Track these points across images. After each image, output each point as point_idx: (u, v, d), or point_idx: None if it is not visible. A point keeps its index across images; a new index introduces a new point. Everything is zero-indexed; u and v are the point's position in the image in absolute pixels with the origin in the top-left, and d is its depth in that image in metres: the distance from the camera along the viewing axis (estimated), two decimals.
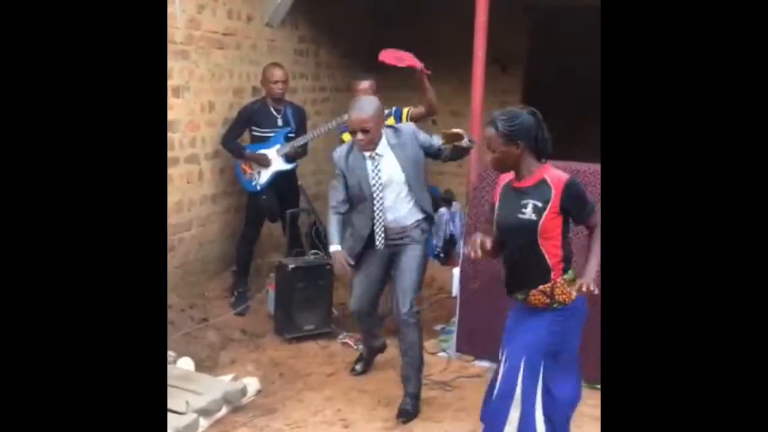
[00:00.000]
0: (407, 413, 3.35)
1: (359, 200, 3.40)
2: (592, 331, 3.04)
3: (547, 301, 2.60)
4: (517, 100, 6.52)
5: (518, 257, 2.68)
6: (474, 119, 4.13)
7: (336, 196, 3.44)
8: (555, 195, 2.56)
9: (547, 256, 2.61)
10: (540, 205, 2.58)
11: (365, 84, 4.32)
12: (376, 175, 3.34)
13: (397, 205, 3.37)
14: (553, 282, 2.60)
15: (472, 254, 2.64)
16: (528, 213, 2.59)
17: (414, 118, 4.15)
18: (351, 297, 3.58)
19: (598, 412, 3.43)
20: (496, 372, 2.74)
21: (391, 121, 4.33)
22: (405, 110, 4.28)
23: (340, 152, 3.43)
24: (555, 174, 2.63)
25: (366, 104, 3.29)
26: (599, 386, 3.59)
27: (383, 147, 3.34)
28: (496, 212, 2.74)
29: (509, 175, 2.73)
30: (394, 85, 5.15)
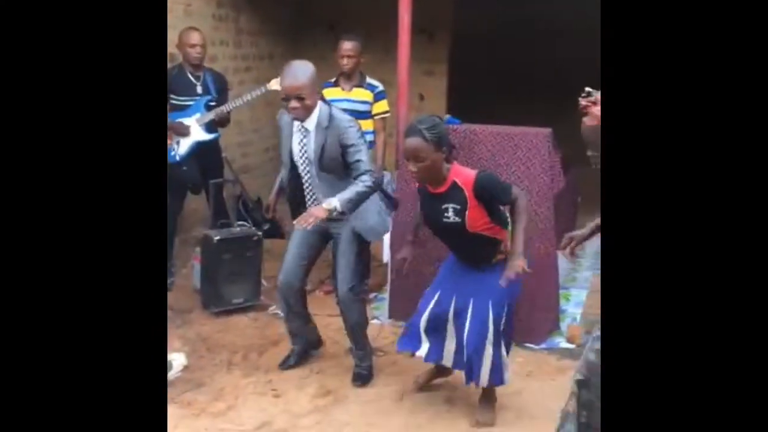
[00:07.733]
0: (362, 377, 3.40)
1: (291, 166, 3.27)
2: (522, 295, 3.12)
3: (503, 257, 2.81)
4: (443, 69, 6.54)
5: (460, 245, 2.90)
6: (401, 88, 4.07)
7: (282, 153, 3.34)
8: (468, 195, 2.73)
9: (486, 233, 2.80)
10: (459, 207, 2.75)
11: (349, 45, 4.22)
12: (302, 149, 3.19)
13: (328, 186, 3.14)
14: (504, 244, 2.83)
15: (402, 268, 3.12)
16: (451, 216, 2.77)
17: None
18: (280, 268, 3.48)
19: (526, 369, 3.52)
20: (441, 313, 2.95)
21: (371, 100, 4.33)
22: (381, 104, 4.35)
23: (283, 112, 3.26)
24: (463, 174, 2.78)
25: (299, 70, 3.04)
26: (527, 345, 3.71)
27: (311, 123, 3.10)
28: (422, 216, 2.96)
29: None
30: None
